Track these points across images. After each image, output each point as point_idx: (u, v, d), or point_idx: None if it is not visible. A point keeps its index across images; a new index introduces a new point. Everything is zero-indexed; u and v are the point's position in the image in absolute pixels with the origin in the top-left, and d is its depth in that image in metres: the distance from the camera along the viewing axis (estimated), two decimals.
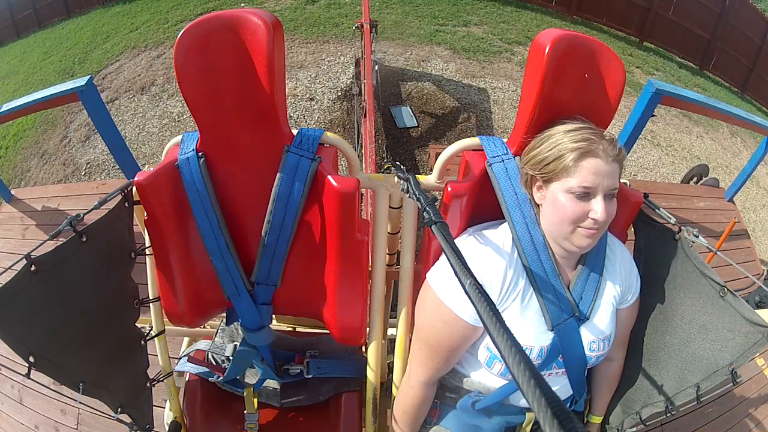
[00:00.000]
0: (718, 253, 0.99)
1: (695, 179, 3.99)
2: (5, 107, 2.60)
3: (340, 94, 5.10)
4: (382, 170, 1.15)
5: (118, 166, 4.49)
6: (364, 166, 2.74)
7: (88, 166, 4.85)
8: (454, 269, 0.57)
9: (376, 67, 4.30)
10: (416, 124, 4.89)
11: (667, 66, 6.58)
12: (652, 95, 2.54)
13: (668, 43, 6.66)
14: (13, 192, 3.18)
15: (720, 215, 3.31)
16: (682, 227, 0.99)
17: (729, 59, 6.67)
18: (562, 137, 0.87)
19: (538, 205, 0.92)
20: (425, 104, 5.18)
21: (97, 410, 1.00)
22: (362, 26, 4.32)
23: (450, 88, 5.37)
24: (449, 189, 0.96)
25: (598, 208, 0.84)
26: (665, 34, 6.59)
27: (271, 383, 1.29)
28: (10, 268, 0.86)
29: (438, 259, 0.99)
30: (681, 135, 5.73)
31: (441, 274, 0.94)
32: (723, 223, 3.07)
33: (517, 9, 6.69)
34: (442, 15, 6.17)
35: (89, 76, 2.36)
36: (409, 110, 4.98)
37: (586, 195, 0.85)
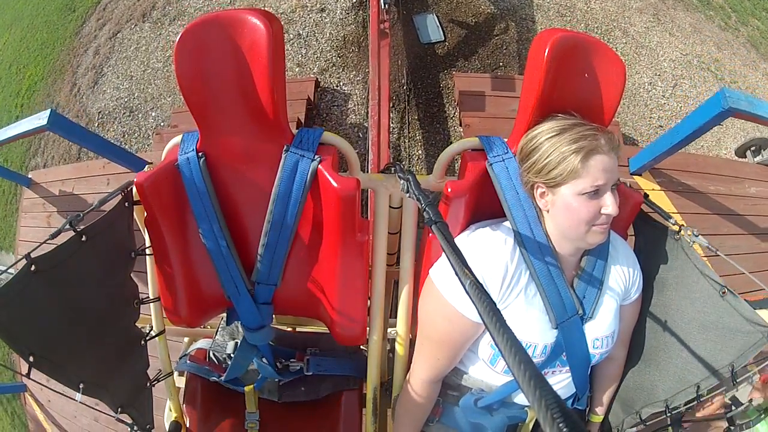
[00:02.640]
0: (719, 253, 0.99)
1: (753, 151, 3.06)
2: None
3: (354, 1, 4.36)
4: (382, 170, 1.15)
5: (128, 113, 4.37)
6: (370, 165, 2.57)
7: (100, 115, 4.63)
8: (454, 269, 0.57)
9: None
10: (443, 38, 3.91)
11: None
12: (722, 112, 1.96)
13: None
14: (30, 175, 3.21)
15: None
16: (682, 227, 0.99)
17: None
18: (558, 140, 0.86)
19: (540, 208, 0.92)
20: (455, 10, 4.18)
21: (98, 410, 1.00)
22: None
23: None
24: (449, 189, 0.96)
25: (609, 202, 0.86)
26: None
27: (271, 380, 1.29)
28: (10, 267, 0.86)
29: (438, 258, 0.99)
30: (747, 70, 4.78)
31: (444, 271, 0.94)
32: None
33: None
34: None
35: (49, 111, 2.30)
36: (435, 19, 3.98)
37: (596, 193, 0.85)
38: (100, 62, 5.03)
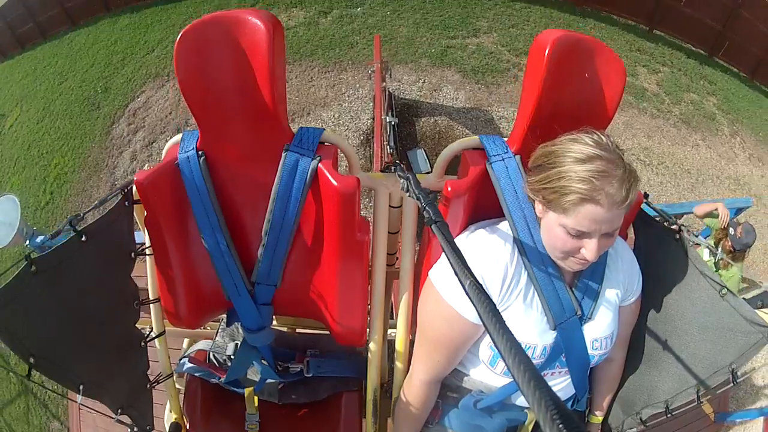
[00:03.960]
0: (719, 254, 0.99)
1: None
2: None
3: (362, 138, 4.97)
4: (382, 169, 1.15)
5: None
6: None
7: None
8: (454, 269, 0.57)
9: (394, 103, 4.23)
10: (430, 170, 4.72)
11: (674, 58, 6.35)
12: None
13: (678, 31, 6.37)
14: None
15: None
16: (682, 227, 0.98)
17: (740, 47, 6.40)
18: (570, 168, 0.80)
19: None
20: (438, 143, 4.99)
21: (97, 411, 1.00)
22: (376, 67, 4.27)
23: (461, 119, 5.23)
24: (449, 188, 0.96)
25: (590, 248, 0.82)
26: (675, 23, 6.31)
27: (271, 381, 1.29)
28: (10, 268, 0.86)
29: (438, 258, 0.99)
30: (675, 147, 5.57)
31: (443, 272, 0.94)
32: None
33: (526, 5, 6.38)
34: (451, 23, 5.96)
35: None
36: (423, 153, 4.83)
37: (579, 235, 0.83)
38: (138, 168, 5.24)
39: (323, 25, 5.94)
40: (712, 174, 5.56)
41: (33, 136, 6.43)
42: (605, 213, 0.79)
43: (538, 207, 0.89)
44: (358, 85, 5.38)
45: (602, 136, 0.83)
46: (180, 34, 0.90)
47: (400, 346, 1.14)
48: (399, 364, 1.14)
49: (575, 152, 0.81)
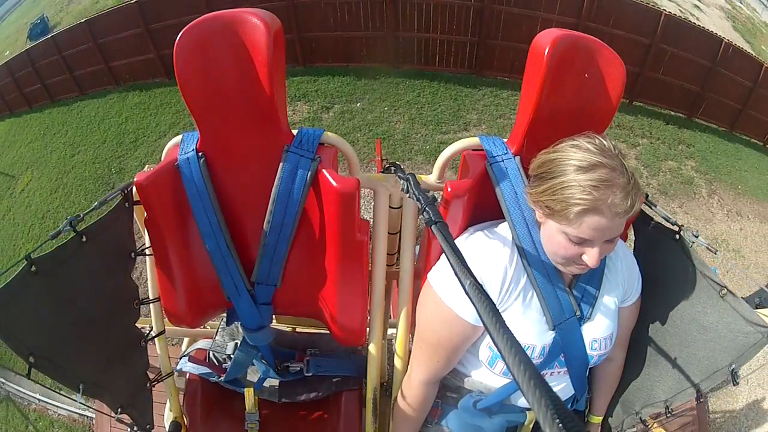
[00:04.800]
0: (718, 254, 0.99)
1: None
2: None
3: None
4: (382, 170, 1.15)
5: None
6: None
7: None
8: (454, 269, 0.57)
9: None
10: None
11: (653, 128, 6.39)
12: None
13: (657, 100, 6.48)
14: None
15: None
16: (682, 228, 0.99)
17: (718, 103, 6.49)
18: (573, 177, 0.79)
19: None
20: None
21: (97, 410, 1.00)
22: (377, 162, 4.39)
23: None
24: (449, 189, 0.96)
25: (591, 256, 0.82)
26: (655, 92, 6.40)
27: (271, 380, 1.29)
28: (10, 268, 0.86)
29: (438, 259, 0.99)
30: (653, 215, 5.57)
31: (442, 274, 0.94)
32: None
33: (513, 93, 6.45)
34: (444, 117, 6.10)
35: None
36: None
37: (581, 243, 0.83)
38: None
39: (326, 120, 6.11)
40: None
41: (47, 206, 6.55)
42: (608, 222, 0.79)
43: (539, 213, 0.88)
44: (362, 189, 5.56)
45: (604, 141, 0.82)
46: (180, 34, 0.90)
47: (399, 345, 1.14)
48: (399, 364, 1.15)
49: (577, 160, 0.80)
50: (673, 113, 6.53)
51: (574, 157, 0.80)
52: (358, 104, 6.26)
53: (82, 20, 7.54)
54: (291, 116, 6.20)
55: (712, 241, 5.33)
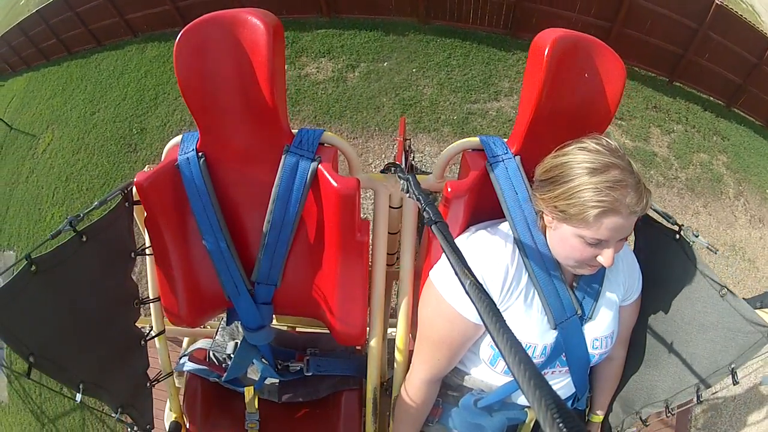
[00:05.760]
0: (718, 253, 0.99)
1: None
2: None
3: None
4: (382, 170, 1.15)
5: None
6: None
7: None
8: (454, 269, 0.57)
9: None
10: None
11: (690, 112, 6.17)
12: None
13: (698, 83, 6.25)
14: None
15: None
16: (682, 227, 0.99)
17: (758, 99, 6.28)
18: (586, 180, 0.79)
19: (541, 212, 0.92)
20: None
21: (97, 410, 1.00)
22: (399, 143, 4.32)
23: None
24: (449, 189, 0.96)
25: (607, 256, 0.83)
26: (696, 75, 6.18)
27: (271, 380, 1.29)
28: (10, 268, 0.86)
29: (438, 258, 0.99)
30: (677, 215, 5.42)
31: (444, 272, 0.94)
32: None
33: None
34: (474, 84, 5.80)
35: None
36: None
37: (597, 244, 0.83)
38: None
39: (351, 81, 5.87)
40: (708, 240, 5.41)
41: (70, 169, 6.45)
42: (624, 221, 0.80)
43: (548, 218, 0.88)
44: (384, 155, 5.36)
45: (610, 141, 0.83)
46: (180, 34, 0.90)
47: (400, 345, 1.14)
48: (399, 363, 1.15)
49: (588, 162, 0.80)
50: (712, 99, 6.32)
51: (585, 159, 0.81)
52: (386, 64, 5.95)
53: None
54: (315, 74, 5.97)
55: (730, 247, 5.27)
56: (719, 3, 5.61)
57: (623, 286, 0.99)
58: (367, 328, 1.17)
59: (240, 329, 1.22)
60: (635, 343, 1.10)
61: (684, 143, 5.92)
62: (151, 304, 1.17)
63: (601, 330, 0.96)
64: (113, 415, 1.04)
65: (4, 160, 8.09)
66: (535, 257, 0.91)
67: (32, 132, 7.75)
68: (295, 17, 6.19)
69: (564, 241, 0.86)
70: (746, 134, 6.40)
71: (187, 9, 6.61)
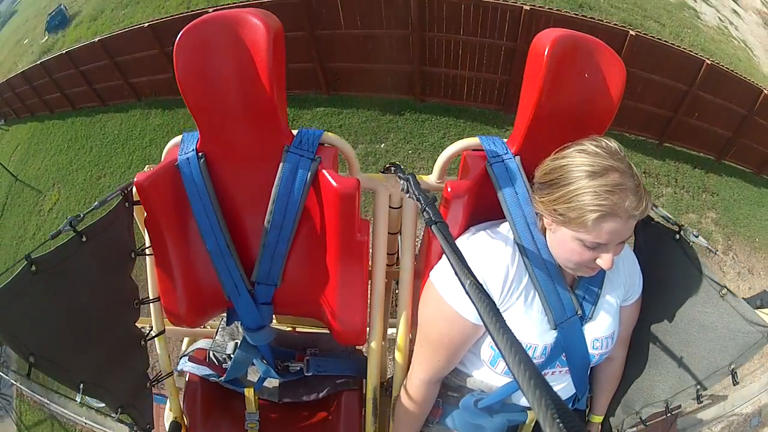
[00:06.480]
0: (718, 253, 0.99)
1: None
2: None
3: None
4: (382, 170, 1.15)
5: None
6: None
7: None
8: (454, 269, 0.57)
9: None
10: None
11: (679, 173, 6.17)
12: None
13: (687, 142, 6.28)
14: None
15: None
16: (682, 227, 0.99)
17: (749, 148, 6.28)
18: (586, 183, 0.79)
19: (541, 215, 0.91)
20: None
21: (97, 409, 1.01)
22: None
23: None
24: (449, 189, 0.96)
25: (606, 258, 0.83)
26: (686, 135, 6.20)
27: (271, 380, 1.29)
28: (10, 268, 0.86)
29: (438, 258, 0.99)
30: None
31: (444, 273, 0.94)
32: None
33: None
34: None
35: None
36: None
37: (597, 246, 0.83)
38: None
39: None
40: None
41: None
42: (624, 225, 0.80)
43: (548, 220, 0.88)
44: None
45: (609, 143, 0.82)
46: (180, 34, 0.90)
47: (400, 345, 1.14)
48: (399, 363, 1.15)
49: (587, 165, 0.80)
50: (702, 155, 6.36)
51: (584, 162, 0.81)
52: (382, 145, 6.14)
53: (95, 39, 7.47)
54: None
55: None
56: (710, 63, 5.57)
57: (624, 286, 0.99)
58: (367, 328, 1.17)
59: (240, 329, 1.22)
60: (635, 343, 1.09)
61: (673, 206, 5.93)
62: (151, 304, 1.17)
63: (601, 330, 0.96)
64: (113, 415, 1.04)
65: (10, 212, 8.22)
66: (535, 258, 0.90)
67: (38, 187, 7.85)
68: (295, 93, 6.30)
69: (563, 244, 0.86)
70: (736, 185, 6.37)
71: None
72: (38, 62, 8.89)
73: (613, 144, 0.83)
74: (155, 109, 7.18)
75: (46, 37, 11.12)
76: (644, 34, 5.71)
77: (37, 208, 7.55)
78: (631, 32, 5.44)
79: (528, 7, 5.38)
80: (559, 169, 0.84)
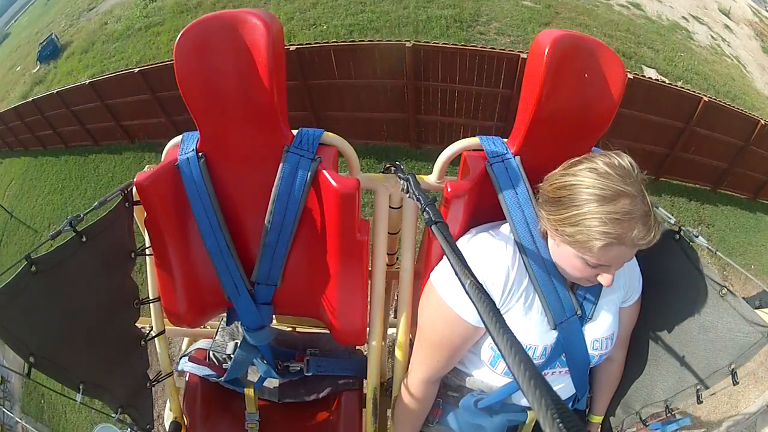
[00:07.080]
0: (718, 253, 0.99)
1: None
2: None
3: None
4: (382, 170, 1.15)
5: None
6: None
7: None
8: (454, 269, 0.57)
9: None
10: None
11: (675, 207, 6.09)
12: None
13: (684, 176, 6.24)
14: None
15: None
16: (682, 227, 0.99)
17: (744, 176, 6.27)
18: (593, 213, 0.77)
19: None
20: None
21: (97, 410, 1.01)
22: None
23: None
24: (449, 189, 0.96)
25: (607, 278, 0.84)
26: (682, 169, 6.17)
27: (271, 380, 1.29)
28: (10, 268, 0.86)
29: (438, 259, 0.99)
30: None
31: (444, 274, 0.94)
32: None
33: None
34: None
35: None
36: None
37: (599, 266, 0.83)
38: None
39: None
40: None
41: None
42: (629, 251, 0.80)
43: (551, 234, 0.88)
44: None
45: (622, 160, 0.80)
46: (180, 34, 0.90)
47: (400, 345, 1.14)
48: (399, 363, 1.15)
49: (597, 189, 0.78)
50: (698, 186, 6.33)
51: (594, 184, 0.78)
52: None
53: (86, 81, 7.42)
54: None
55: None
56: (707, 100, 5.52)
57: (624, 287, 0.99)
58: (367, 328, 1.17)
59: (240, 329, 1.22)
60: (635, 343, 1.09)
61: None
62: (151, 304, 1.17)
63: (601, 331, 0.96)
64: (113, 415, 1.04)
65: (6, 250, 8.15)
66: (536, 258, 0.90)
67: (33, 226, 7.80)
68: None
69: (565, 259, 0.86)
70: (732, 213, 6.33)
71: (183, 123, 6.75)
72: (30, 99, 8.87)
73: (626, 161, 0.80)
74: (149, 153, 7.03)
75: (38, 67, 11.05)
76: (641, 76, 5.68)
77: (32, 247, 7.49)
78: (629, 75, 5.38)
79: (525, 56, 5.36)
80: (569, 187, 0.82)
